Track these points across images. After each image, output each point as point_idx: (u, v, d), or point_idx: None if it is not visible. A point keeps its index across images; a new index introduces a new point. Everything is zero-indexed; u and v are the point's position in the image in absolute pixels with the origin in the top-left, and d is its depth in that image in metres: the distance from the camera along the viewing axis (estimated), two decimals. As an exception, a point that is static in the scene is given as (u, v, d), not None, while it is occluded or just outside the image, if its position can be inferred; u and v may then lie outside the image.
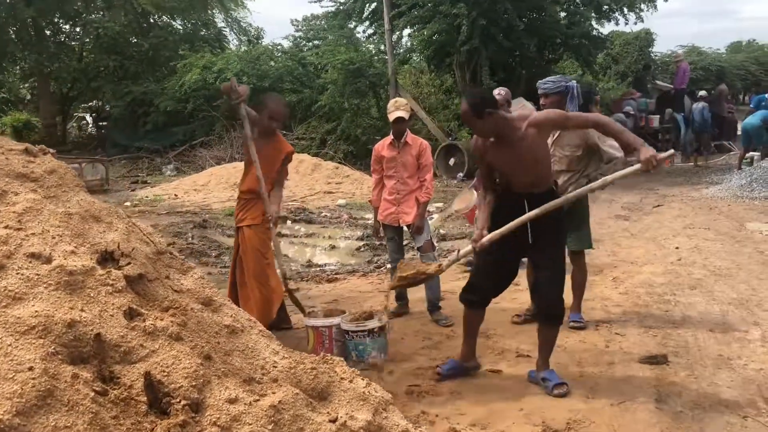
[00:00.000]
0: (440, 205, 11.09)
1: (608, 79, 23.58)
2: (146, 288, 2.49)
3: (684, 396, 3.70)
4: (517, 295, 5.65)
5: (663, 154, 3.58)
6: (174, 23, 23.33)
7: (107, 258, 2.48)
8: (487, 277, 4.00)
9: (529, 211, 3.74)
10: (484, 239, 3.80)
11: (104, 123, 23.36)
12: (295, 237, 9.36)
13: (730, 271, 6.35)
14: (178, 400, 2.19)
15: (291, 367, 2.53)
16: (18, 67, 24.09)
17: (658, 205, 10.51)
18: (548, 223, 3.78)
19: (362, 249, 8.37)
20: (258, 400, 2.32)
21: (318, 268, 7.56)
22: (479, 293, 4.04)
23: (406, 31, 17.32)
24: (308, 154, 15.11)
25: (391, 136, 5.43)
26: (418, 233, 5.38)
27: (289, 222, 10.26)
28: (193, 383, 2.24)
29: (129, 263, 2.48)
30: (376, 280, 6.74)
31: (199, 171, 15.57)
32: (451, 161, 14.58)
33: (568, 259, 4.97)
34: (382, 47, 16.88)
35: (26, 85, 26.25)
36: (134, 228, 2.70)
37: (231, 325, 2.57)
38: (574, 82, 4.78)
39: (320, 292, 6.49)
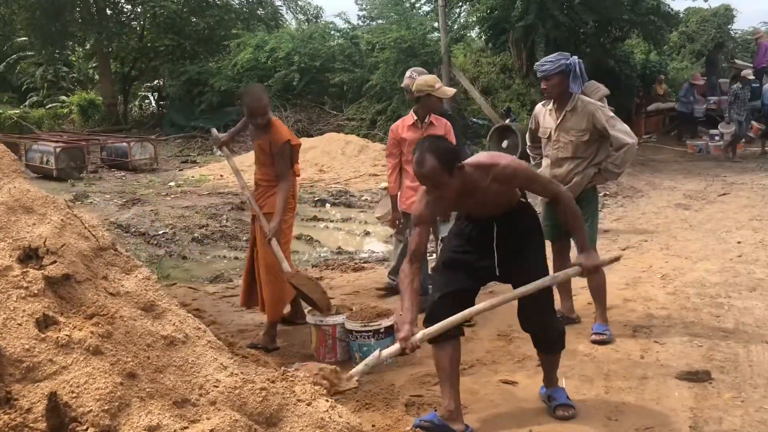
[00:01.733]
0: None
1: (682, 58, 22.30)
2: (72, 291, 2.18)
3: (725, 424, 3.17)
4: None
5: (606, 260, 3.35)
6: (231, 1, 23.26)
7: (31, 255, 2.19)
8: (450, 297, 3.15)
9: (498, 231, 3.16)
10: (416, 338, 2.95)
11: (163, 102, 23.67)
12: (330, 221, 9.05)
13: (798, 272, 5.67)
14: (85, 427, 1.87)
15: (236, 386, 2.18)
16: (83, 48, 24.67)
17: (724, 194, 9.71)
18: (516, 238, 3.17)
19: (397, 236, 7.98)
20: (186, 427, 1.99)
21: (347, 256, 7.23)
22: (443, 318, 3.09)
23: (464, 8, 16.71)
24: (357, 135, 14.78)
25: (412, 116, 5.00)
26: (444, 222, 4.99)
27: (327, 205, 9.97)
28: (106, 407, 1.92)
29: (54, 262, 2.18)
30: (404, 271, 6.34)
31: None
32: (505, 143, 13.94)
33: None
34: (436, 24, 16.30)
35: (93, 64, 26.80)
36: (73, 220, 2.39)
37: (170, 336, 2.24)
38: (575, 57, 4.23)
39: (343, 281, 6.15)
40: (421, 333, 3.00)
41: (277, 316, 4.62)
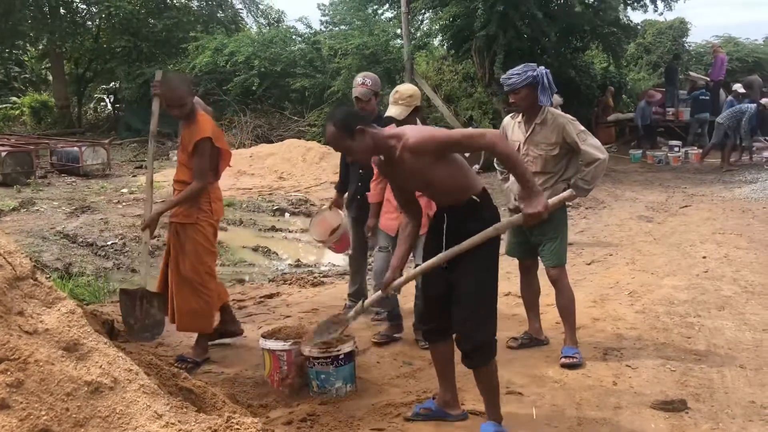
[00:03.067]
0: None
1: (639, 69, 22.63)
2: (-22, 331, 1.87)
3: (704, 459, 3.01)
4: (517, 311, 4.98)
5: (553, 200, 3.13)
6: (190, 3, 22.77)
7: (-71, 289, 1.88)
8: (433, 300, 3.30)
9: (447, 226, 3.15)
10: (395, 283, 3.21)
11: (119, 105, 23.06)
12: (289, 232, 8.74)
13: (765, 288, 5.58)
14: (-16, 499, 1.58)
15: (171, 440, 1.90)
16: (35, 48, 23.88)
17: (686, 206, 9.69)
18: (464, 234, 3.06)
19: (358, 248, 7.72)
20: (109, 493, 1.71)
21: (306, 269, 6.94)
22: (429, 320, 3.37)
23: (427, 15, 16.58)
24: (318, 142, 14.49)
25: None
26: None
27: (286, 215, 9.66)
28: (11, 473, 1.63)
29: (-43, 297, 1.87)
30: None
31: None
32: (467, 153, 13.84)
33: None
34: (398, 31, 16.14)
35: (46, 65, 25.99)
36: (-15, 246, 2.08)
37: (96, 381, 1.94)
38: (543, 68, 4.06)
39: (302, 297, 5.87)
40: (397, 282, 3.22)
41: (189, 329, 4.37)
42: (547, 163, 4.09)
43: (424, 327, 3.45)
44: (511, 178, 4.26)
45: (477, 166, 13.37)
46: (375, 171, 4.72)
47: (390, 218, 4.60)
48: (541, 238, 4.21)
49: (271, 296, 5.92)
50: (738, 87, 13.91)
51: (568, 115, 4.17)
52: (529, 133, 4.11)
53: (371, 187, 4.76)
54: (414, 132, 3.04)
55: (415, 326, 4.54)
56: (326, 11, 21.05)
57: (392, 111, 4.26)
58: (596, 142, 4.10)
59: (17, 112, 23.70)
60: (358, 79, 4.81)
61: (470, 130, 3.17)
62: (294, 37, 18.72)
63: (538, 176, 4.10)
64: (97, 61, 22.52)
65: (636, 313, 5.05)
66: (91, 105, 25.90)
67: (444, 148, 3.01)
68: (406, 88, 4.45)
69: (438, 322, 3.30)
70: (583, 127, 4.11)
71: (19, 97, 24.88)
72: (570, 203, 9.55)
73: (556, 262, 4.22)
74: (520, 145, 4.14)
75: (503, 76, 4.15)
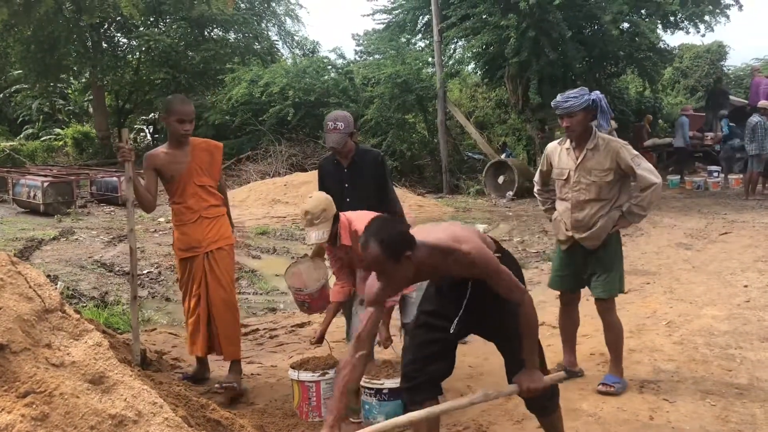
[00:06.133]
0: (485, 226, 10.36)
1: (676, 94, 22.41)
2: (6, 364, 1.89)
3: (747, 500, 2.88)
4: (552, 342, 4.87)
5: (548, 382, 2.82)
6: (227, 36, 23.32)
7: (-40, 322, 1.91)
8: (426, 349, 2.89)
9: (471, 293, 2.80)
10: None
11: (158, 135, 23.60)
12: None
13: (809, 319, 5.39)
14: None
15: (193, 475, 1.90)
16: (78, 81, 24.66)
17: (726, 233, 9.46)
18: (482, 308, 2.81)
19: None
20: None
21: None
22: (411, 378, 2.89)
23: (459, 43, 16.73)
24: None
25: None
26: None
27: (319, 243, 9.69)
28: None
29: (-14, 330, 1.90)
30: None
31: (243, 186, 15.26)
32: (500, 179, 13.81)
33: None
34: (431, 59, 16.27)
35: (88, 97, 26.79)
36: (15, 279, 2.11)
37: (120, 414, 1.95)
38: (598, 92, 4.00)
39: (332, 326, 5.81)
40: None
41: (237, 355, 4.37)
42: (601, 190, 3.97)
43: (410, 384, 2.89)
44: (560, 208, 4.16)
45: (510, 193, 13.32)
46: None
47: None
48: (596, 269, 4.10)
49: (302, 325, 5.92)
50: (765, 104, 13.19)
51: (620, 140, 4.07)
52: (580, 159, 4.00)
53: (335, 287, 4.21)
54: (468, 247, 2.63)
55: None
56: (360, 41, 21.37)
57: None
58: (650, 166, 3.98)
59: (60, 143, 24.39)
60: (329, 123, 4.20)
61: (516, 282, 2.70)
62: (328, 67, 18.99)
63: (591, 204, 3.99)
64: (137, 93, 23.19)
65: (674, 345, 4.90)
66: (131, 135, 26.57)
67: (486, 279, 2.69)
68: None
69: (427, 375, 2.88)
70: (636, 152, 4.01)
71: (62, 128, 25.63)
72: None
73: (609, 293, 4.10)
74: (570, 172, 4.04)
75: (558, 99, 4.00)
